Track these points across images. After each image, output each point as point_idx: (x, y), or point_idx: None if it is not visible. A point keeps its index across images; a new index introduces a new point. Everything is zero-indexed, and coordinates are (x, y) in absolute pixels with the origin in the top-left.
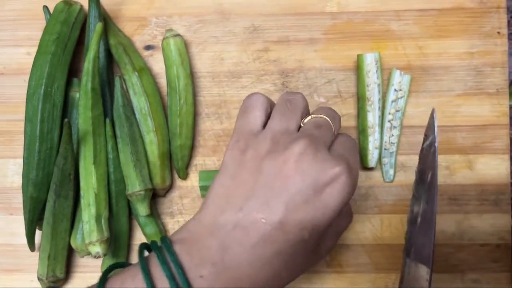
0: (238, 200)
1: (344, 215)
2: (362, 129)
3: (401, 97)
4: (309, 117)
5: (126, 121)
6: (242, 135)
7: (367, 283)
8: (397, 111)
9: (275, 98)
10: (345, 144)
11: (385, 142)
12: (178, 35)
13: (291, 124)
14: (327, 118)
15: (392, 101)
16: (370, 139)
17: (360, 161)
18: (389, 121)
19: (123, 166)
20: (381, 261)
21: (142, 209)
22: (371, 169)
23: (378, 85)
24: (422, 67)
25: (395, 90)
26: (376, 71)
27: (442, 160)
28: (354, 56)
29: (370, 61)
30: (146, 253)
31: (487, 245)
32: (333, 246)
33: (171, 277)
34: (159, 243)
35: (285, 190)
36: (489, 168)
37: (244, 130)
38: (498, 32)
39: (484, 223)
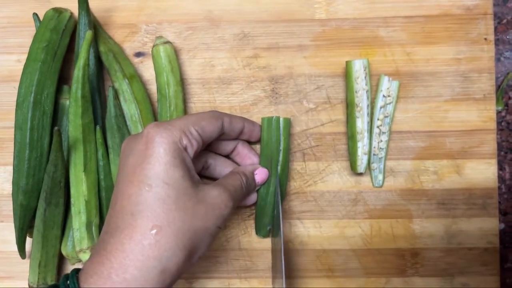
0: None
1: (232, 173)
2: (351, 135)
3: (390, 103)
4: None
5: (118, 132)
6: None
7: (357, 287)
8: (385, 116)
9: (264, 104)
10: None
11: (374, 147)
12: (168, 42)
13: None
14: None
15: (381, 107)
16: (359, 144)
17: (350, 167)
18: (377, 126)
19: (114, 176)
20: (371, 266)
21: None
22: (360, 174)
23: (367, 91)
24: (410, 73)
25: (384, 96)
26: (365, 77)
27: (430, 165)
28: (343, 63)
29: (358, 67)
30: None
31: (476, 248)
32: (227, 205)
33: None
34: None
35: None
36: (477, 172)
37: None
38: (485, 39)
39: (472, 227)
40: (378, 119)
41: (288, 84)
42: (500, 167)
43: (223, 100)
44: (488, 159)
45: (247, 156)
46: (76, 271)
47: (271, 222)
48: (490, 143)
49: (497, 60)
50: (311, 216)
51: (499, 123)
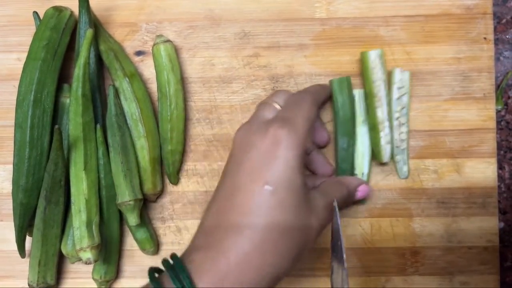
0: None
1: (332, 182)
2: (372, 126)
3: (405, 94)
4: None
5: (118, 130)
6: None
7: (357, 286)
8: (402, 108)
9: None
10: (286, 102)
11: (396, 139)
12: (168, 40)
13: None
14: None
15: (397, 99)
16: (381, 134)
17: (375, 157)
18: (396, 118)
19: (114, 175)
20: (371, 265)
21: (132, 219)
22: (385, 164)
23: (384, 80)
24: (411, 72)
25: (398, 88)
26: (381, 67)
27: (430, 164)
28: (343, 62)
29: (374, 57)
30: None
31: (475, 247)
32: (326, 213)
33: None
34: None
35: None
36: (477, 171)
37: None
38: (485, 38)
39: (472, 226)
40: (396, 111)
41: (289, 83)
42: (500, 166)
43: (223, 99)
44: (487, 158)
45: (322, 164)
46: (179, 258)
47: None
48: (489, 142)
49: (497, 59)
50: None
51: (498, 122)
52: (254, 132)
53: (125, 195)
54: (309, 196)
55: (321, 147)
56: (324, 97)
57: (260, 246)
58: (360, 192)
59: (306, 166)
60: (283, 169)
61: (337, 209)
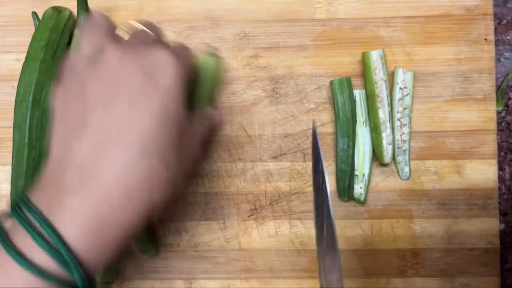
0: (80, 119)
1: (202, 114)
2: (374, 127)
3: (407, 94)
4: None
5: None
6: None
7: (358, 287)
8: (404, 108)
9: (265, 104)
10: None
11: (397, 140)
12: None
13: (96, 40)
14: (143, 27)
15: (399, 100)
16: (383, 135)
17: (376, 158)
18: (398, 119)
19: None
20: (371, 266)
21: None
22: (386, 165)
23: (385, 81)
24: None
25: (400, 88)
26: (382, 67)
27: (430, 165)
28: (344, 63)
29: (376, 58)
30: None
31: (476, 249)
32: (200, 148)
33: (36, 234)
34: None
35: (119, 92)
36: (477, 173)
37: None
38: (485, 39)
39: (473, 228)
40: (398, 112)
41: (289, 84)
42: (500, 168)
43: (223, 100)
44: (488, 160)
45: None
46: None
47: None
48: (490, 143)
49: (497, 60)
50: (312, 217)
51: (499, 123)
52: (135, 54)
53: None
54: (188, 130)
55: None
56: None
57: (142, 180)
58: (216, 118)
59: None
60: (168, 101)
61: (316, 132)
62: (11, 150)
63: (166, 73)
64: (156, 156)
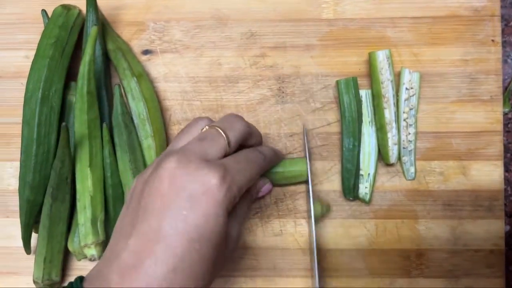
0: (128, 227)
1: (241, 201)
2: (380, 127)
3: (413, 95)
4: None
5: (125, 129)
6: None
7: (362, 287)
8: (410, 109)
9: (271, 103)
10: (239, 155)
11: (403, 141)
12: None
13: (177, 144)
14: (218, 129)
15: (405, 100)
16: (389, 135)
17: (382, 158)
18: (404, 120)
19: (121, 173)
20: (376, 266)
21: None
22: (392, 165)
23: (391, 81)
24: (419, 73)
25: (407, 88)
26: (388, 67)
27: (436, 166)
28: (350, 62)
29: (382, 58)
30: None
31: (481, 250)
32: (240, 234)
33: None
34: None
35: (163, 209)
36: (483, 174)
37: None
38: (492, 40)
39: (478, 229)
40: (404, 112)
41: (295, 83)
42: (506, 169)
43: (229, 99)
44: (494, 161)
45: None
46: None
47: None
48: (496, 144)
49: (504, 62)
50: None
51: (505, 125)
52: (191, 167)
53: None
54: (227, 230)
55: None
56: (271, 166)
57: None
58: (262, 192)
59: None
60: (209, 221)
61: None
62: (20, 146)
63: (208, 204)
64: (187, 274)
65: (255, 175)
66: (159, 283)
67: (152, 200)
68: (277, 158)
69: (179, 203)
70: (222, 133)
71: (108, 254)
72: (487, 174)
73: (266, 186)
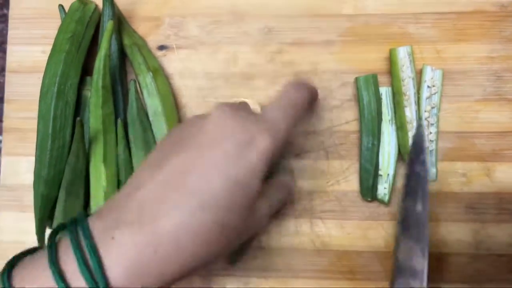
0: (157, 161)
1: (277, 186)
2: (400, 126)
3: (435, 93)
4: None
5: (140, 126)
6: None
7: None
8: (432, 107)
9: None
10: (283, 99)
11: None
12: None
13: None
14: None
15: (427, 98)
16: (410, 134)
17: (402, 158)
18: (426, 118)
19: (135, 169)
20: None
21: None
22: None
23: (413, 78)
24: (442, 70)
25: (428, 86)
26: (410, 64)
27: (459, 167)
28: (370, 59)
29: (403, 54)
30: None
31: (505, 255)
32: (267, 220)
33: (82, 263)
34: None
35: (207, 146)
36: (508, 176)
37: None
38: None
39: (502, 233)
40: (425, 111)
41: (313, 80)
42: None
43: (246, 96)
44: None
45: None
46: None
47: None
48: None
49: None
50: (333, 216)
51: None
52: (236, 121)
53: None
54: (257, 203)
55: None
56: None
57: (192, 234)
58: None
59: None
60: (248, 173)
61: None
62: (35, 141)
63: (255, 152)
64: (214, 216)
65: (299, 118)
66: (184, 220)
67: (195, 136)
68: (316, 94)
69: (224, 146)
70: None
71: (127, 187)
72: None
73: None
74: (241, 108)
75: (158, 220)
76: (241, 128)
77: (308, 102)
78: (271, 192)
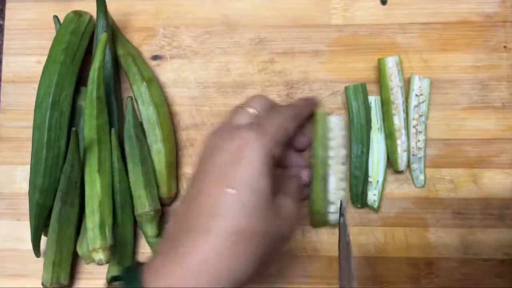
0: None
1: (287, 177)
2: (389, 133)
3: (423, 102)
4: None
5: (137, 142)
6: None
7: None
8: (420, 116)
9: None
10: (269, 112)
11: (413, 148)
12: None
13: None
14: (243, 105)
15: (415, 106)
16: (398, 142)
17: (391, 165)
18: (414, 126)
19: (133, 186)
20: (384, 274)
21: (150, 230)
22: (401, 172)
23: (401, 87)
24: (429, 79)
25: (416, 95)
26: (398, 73)
27: (446, 173)
28: (359, 69)
29: (391, 64)
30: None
31: (492, 260)
32: (298, 211)
33: None
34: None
35: (208, 167)
36: (494, 182)
37: None
38: (504, 46)
39: (489, 238)
40: (413, 119)
41: (303, 89)
42: None
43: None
44: (506, 169)
45: (299, 166)
46: (137, 266)
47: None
48: (508, 152)
49: None
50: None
51: None
52: (223, 135)
53: (145, 206)
54: (276, 200)
55: (301, 150)
56: (306, 113)
57: (218, 250)
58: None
59: (284, 166)
60: (247, 171)
61: (346, 220)
62: (31, 150)
63: (244, 149)
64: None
65: (288, 122)
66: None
67: (201, 170)
68: (309, 105)
69: (218, 159)
70: (247, 107)
71: (170, 233)
72: (498, 182)
73: (303, 138)
74: (221, 124)
75: (180, 246)
76: (227, 140)
77: (298, 112)
78: (285, 186)
